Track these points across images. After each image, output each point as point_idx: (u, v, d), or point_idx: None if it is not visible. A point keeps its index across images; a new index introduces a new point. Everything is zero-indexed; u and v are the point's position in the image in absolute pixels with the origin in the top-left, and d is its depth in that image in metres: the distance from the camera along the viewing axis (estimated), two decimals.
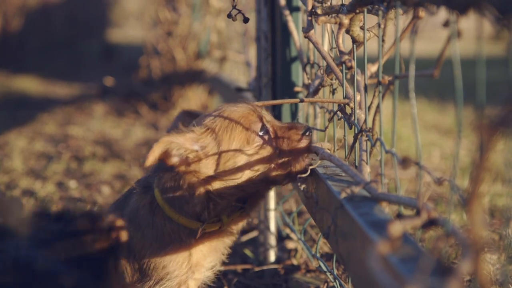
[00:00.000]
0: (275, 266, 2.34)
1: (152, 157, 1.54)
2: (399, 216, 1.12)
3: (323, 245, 2.45)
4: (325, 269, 2.06)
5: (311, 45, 1.98)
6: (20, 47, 11.25)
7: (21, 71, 9.81)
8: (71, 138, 4.77)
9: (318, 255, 2.13)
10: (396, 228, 0.93)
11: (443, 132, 4.88)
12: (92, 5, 16.60)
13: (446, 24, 1.02)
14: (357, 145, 1.50)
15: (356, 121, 1.51)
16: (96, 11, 17.05)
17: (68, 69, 10.96)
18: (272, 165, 1.62)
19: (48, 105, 6.63)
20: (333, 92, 1.81)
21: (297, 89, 2.18)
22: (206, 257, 1.76)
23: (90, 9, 16.34)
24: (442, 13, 1.01)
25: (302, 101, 1.73)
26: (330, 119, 1.75)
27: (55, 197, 3.20)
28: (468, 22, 1.05)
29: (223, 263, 2.40)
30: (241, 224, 1.81)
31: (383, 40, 1.38)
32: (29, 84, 8.68)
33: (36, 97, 7.54)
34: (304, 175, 1.55)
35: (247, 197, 1.71)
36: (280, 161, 1.63)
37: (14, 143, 4.61)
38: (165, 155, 1.58)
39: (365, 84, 1.50)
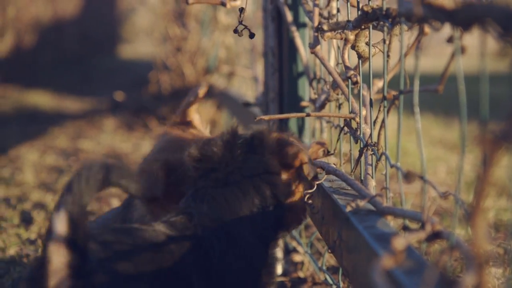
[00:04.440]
0: (282, 279, 2.33)
1: None
2: (405, 228, 1.11)
3: (329, 258, 2.44)
4: (331, 282, 2.05)
5: (317, 61, 1.98)
6: (33, 62, 11.31)
7: (33, 86, 9.86)
8: (82, 152, 4.78)
9: (324, 268, 2.13)
10: (400, 242, 0.92)
11: (449, 147, 4.86)
12: (104, 21, 16.67)
13: (450, 40, 1.02)
14: (362, 159, 1.49)
15: (361, 135, 1.50)
16: (107, 27, 17.12)
17: (80, 84, 11.00)
18: None
19: (60, 119, 6.64)
20: (339, 106, 1.81)
21: (303, 103, 2.18)
22: None
23: (101, 25, 16.40)
24: (447, 29, 1.01)
25: (308, 115, 1.73)
26: (339, 135, 1.75)
27: None
28: (472, 39, 1.05)
29: None
30: None
31: (388, 56, 1.38)
32: (41, 99, 8.71)
33: (47, 111, 7.56)
34: (311, 191, 1.54)
35: None
36: None
37: (25, 156, 4.62)
38: None
39: (371, 99, 1.50)
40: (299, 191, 1.51)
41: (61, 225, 0.99)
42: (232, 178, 1.44)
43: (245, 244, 1.41)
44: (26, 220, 3.02)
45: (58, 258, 0.97)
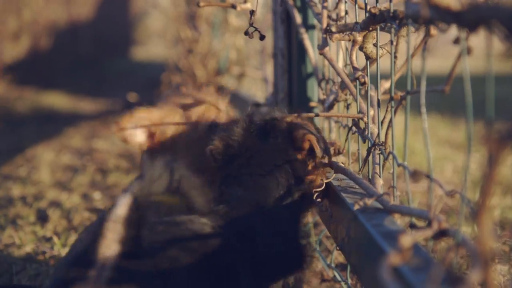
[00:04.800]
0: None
1: None
2: (412, 226, 1.11)
3: (337, 256, 2.43)
4: (339, 279, 2.05)
5: (326, 62, 1.98)
6: (49, 64, 11.34)
7: (49, 87, 9.89)
8: (96, 152, 4.79)
9: (333, 265, 2.13)
10: (407, 239, 0.92)
11: (455, 147, 4.85)
12: (117, 24, 16.71)
13: (456, 41, 1.02)
14: (370, 158, 1.49)
15: (369, 135, 1.50)
16: (121, 30, 17.16)
17: (94, 85, 11.03)
18: None
19: (75, 119, 6.67)
20: (347, 107, 1.81)
21: (312, 104, 2.17)
22: None
23: (115, 28, 16.44)
24: (453, 31, 1.01)
25: (317, 115, 1.73)
26: (347, 134, 1.74)
27: (80, 208, 3.22)
28: (478, 40, 1.05)
29: None
30: None
31: (395, 57, 1.38)
32: (57, 100, 8.74)
33: (63, 112, 7.59)
34: (320, 189, 1.54)
35: None
36: None
37: (42, 156, 4.64)
38: None
39: (378, 100, 1.50)
40: (315, 171, 1.53)
41: (123, 206, 1.00)
42: (254, 161, 1.48)
43: (283, 222, 1.44)
44: (42, 218, 3.04)
45: (113, 235, 0.98)
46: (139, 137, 1.77)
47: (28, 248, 2.59)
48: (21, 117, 7.07)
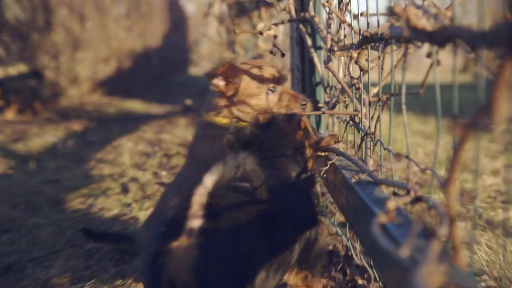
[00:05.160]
0: None
1: None
2: (394, 194, 1.08)
3: (339, 216, 2.41)
4: (341, 233, 2.03)
5: (330, 73, 1.95)
6: (129, 80, 11.45)
7: (129, 96, 9.98)
8: (163, 142, 4.81)
9: (336, 223, 2.10)
10: (392, 204, 0.90)
11: (425, 137, 4.80)
12: (178, 50, 16.80)
13: (428, 55, 0.99)
14: (363, 144, 1.46)
15: (362, 127, 1.48)
16: (181, 54, 17.25)
17: (161, 94, 11.10)
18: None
19: (147, 119, 6.71)
20: (346, 106, 1.78)
21: (320, 105, 2.15)
22: None
23: (177, 53, 16.53)
24: (424, 49, 0.98)
25: (323, 113, 1.70)
26: (345, 127, 1.72)
27: (152, 183, 3.23)
28: (445, 56, 1.02)
29: None
30: None
31: (382, 69, 1.35)
32: (134, 105, 8.81)
33: (139, 113, 7.65)
34: (325, 168, 1.53)
35: None
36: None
37: (124, 145, 4.67)
38: None
39: (369, 101, 1.47)
40: (310, 146, 1.51)
41: (209, 183, 1.00)
42: (264, 145, 1.44)
43: (301, 190, 1.42)
44: (124, 189, 3.05)
45: (198, 205, 0.98)
46: (221, 82, 1.74)
47: (115, 211, 2.61)
48: (110, 118, 7.13)
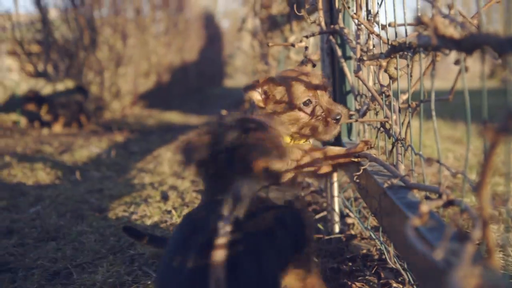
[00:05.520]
0: (339, 235, 2.29)
1: None
2: (427, 198, 1.07)
3: (372, 221, 2.38)
4: (374, 237, 2.00)
5: (360, 82, 1.94)
6: (168, 93, 11.60)
7: (168, 108, 10.10)
8: None
9: (369, 227, 2.08)
10: (425, 207, 0.88)
11: (454, 142, 4.72)
12: (214, 64, 16.96)
13: (457, 62, 0.97)
14: (394, 150, 1.45)
15: (393, 133, 1.46)
16: (216, 67, 17.40)
17: (198, 106, 11.20)
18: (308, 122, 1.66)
19: (185, 129, 6.77)
20: (376, 113, 1.76)
21: (351, 112, 2.13)
22: None
23: (212, 66, 16.69)
24: (453, 55, 0.96)
25: (356, 120, 1.69)
26: (377, 133, 1.70)
27: (190, 190, 3.25)
28: (472, 63, 1.00)
29: None
30: None
31: (411, 76, 1.33)
32: (173, 117, 8.91)
33: (177, 124, 7.73)
34: (358, 173, 1.51)
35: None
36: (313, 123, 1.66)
37: (163, 155, 4.73)
38: None
39: (399, 108, 1.45)
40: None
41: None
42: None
43: (291, 208, 1.40)
44: (164, 197, 3.09)
45: (229, 219, 1.03)
46: (257, 97, 1.72)
47: (155, 218, 2.64)
48: (150, 129, 7.23)
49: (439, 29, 0.83)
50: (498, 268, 0.73)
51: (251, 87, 1.70)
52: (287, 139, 1.68)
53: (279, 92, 1.68)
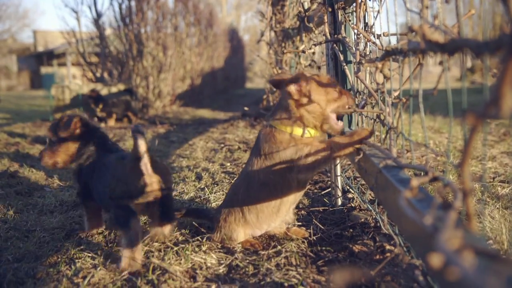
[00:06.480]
0: (341, 207, 2.28)
1: None
2: (415, 175, 1.05)
3: (369, 195, 2.37)
4: (371, 208, 1.99)
5: (359, 81, 1.92)
6: (200, 93, 11.62)
7: (200, 106, 10.11)
8: (227, 140, 4.86)
9: (366, 200, 2.06)
10: (415, 182, 0.87)
11: (434, 131, 4.65)
12: (237, 69, 16.92)
13: (440, 63, 0.96)
14: (388, 137, 1.43)
15: (387, 123, 1.44)
16: (239, 72, 17.36)
17: (225, 104, 11.19)
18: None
19: (214, 123, 6.79)
20: (373, 107, 1.74)
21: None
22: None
23: (236, 71, 16.65)
24: (432, 61, 0.95)
25: (355, 111, 1.68)
26: (373, 123, 1.68)
27: (219, 172, 3.27)
28: (452, 69, 0.99)
29: (312, 206, 2.37)
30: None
31: (401, 76, 1.32)
32: (204, 113, 8.93)
33: (208, 119, 7.75)
34: (359, 157, 1.50)
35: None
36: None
37: (197, 143, 4.75)
38: None
39: (392, 102, 1.43)
40: None
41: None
42: None
43: None
44: (198, 177, 3.10)
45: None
46: (294, 90, 1.59)
47: (191, 195, 2.66)
48: (186, 123, 7.27)
49: (427, 35, 0.82)
50: (476, 231, 0.72)
51: (293, 80, 1.60)
52: (312, 131, 1.64)
53: (313, 87, 1.60)
